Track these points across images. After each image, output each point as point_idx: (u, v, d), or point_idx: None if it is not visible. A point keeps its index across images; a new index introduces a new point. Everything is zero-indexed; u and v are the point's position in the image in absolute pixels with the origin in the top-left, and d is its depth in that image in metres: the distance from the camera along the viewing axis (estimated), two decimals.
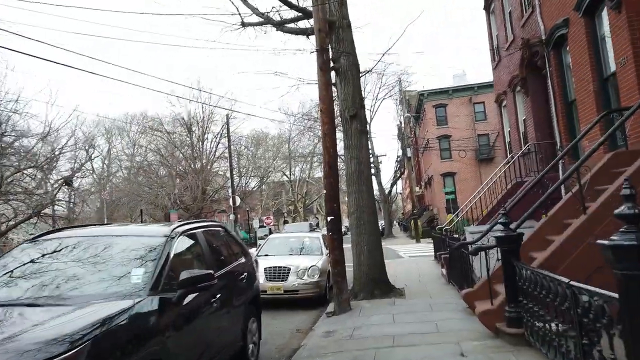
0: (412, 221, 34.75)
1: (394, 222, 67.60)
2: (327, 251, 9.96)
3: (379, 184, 46.97)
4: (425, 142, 39.44)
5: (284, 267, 9.63)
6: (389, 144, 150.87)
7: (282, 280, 9.49)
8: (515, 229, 5.74)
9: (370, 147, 46.71)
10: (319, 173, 60.91)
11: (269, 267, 9.58)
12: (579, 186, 5.92)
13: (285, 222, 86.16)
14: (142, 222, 33.60)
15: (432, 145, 38.25)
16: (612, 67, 8.16)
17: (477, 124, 39.10)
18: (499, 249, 5.65)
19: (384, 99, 52.77)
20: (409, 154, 33.07)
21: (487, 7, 16.50)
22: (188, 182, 40.29)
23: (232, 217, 33.47)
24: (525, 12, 12.18)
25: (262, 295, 6.95)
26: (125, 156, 52.23)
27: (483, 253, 6.25)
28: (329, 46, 9.04)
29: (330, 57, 9.10)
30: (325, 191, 8.60)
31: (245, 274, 5.71)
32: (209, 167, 42.54)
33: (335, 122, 9.42)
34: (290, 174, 58.38)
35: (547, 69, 10.97)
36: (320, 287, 9.72)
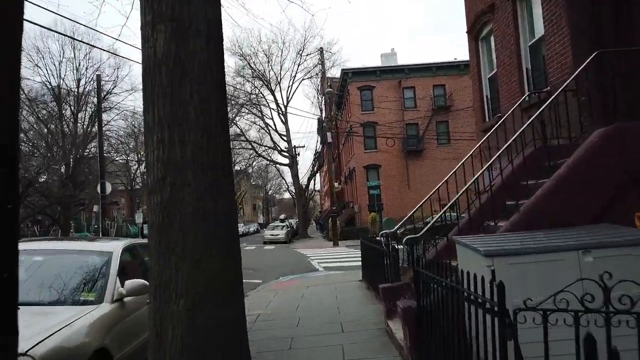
0: (330, 220, 29.22)
1: (311, 220, 62.27)
2: (123, 289, 4.22)
3: (295, 176, 41.07)
4: (349, 128, 34.17)
5: None
6: (307, 139, 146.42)
7: None
8: None
9: (286, 131, 40.88)
10: None
11: None
12: None
13: None
14: None
15: (356, 131, 33.08)
16: None
17: (406, 112, 34.60)
18: None
19: (303, 79, 47.12)
20: (329, 139, 27.55)
21: None
22: (49, 162, 31.53)
23: (96, 208, 25.60)
24: None
25: None
26: None
27: None
28: None
29: None
30: None
31: None
32: (80, 149, 33.79)
33: None
34: None
35: None
36: None
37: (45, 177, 35.41)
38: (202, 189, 3.09)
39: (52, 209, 34.64)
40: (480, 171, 5.52)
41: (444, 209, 5.38)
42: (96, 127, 37.89)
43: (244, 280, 11.39)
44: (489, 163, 5.53)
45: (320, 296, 9.05)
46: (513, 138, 5.53)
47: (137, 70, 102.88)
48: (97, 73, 30.65)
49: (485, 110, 9.21)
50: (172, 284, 2.93)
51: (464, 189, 5.66)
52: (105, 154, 41.01)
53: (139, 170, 51.05)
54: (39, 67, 34.82)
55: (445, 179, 6.63)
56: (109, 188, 26.18)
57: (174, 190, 3.03)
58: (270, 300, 9.07)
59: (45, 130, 34.01)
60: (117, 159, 46.05)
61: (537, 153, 5.91)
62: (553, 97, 5.48)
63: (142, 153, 47.90)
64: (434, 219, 5.50)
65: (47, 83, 34.88)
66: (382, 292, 5.82)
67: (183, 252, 2.98)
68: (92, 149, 37.86)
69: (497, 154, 5.48)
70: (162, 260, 2.98)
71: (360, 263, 10.72)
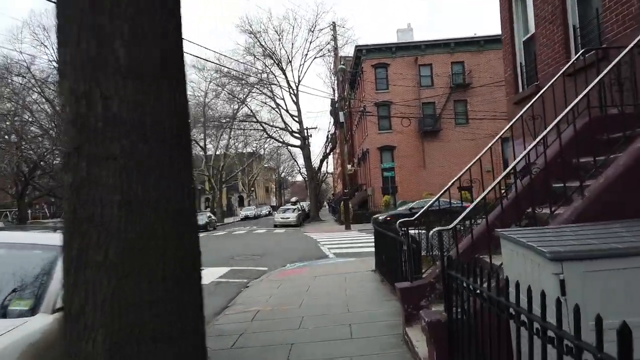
0: (342, 203, 28.23)
1: (324, 202, 61.42)
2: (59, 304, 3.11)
3: (306, 158, 40.04)
4: (362, 108, 32.87)
5: None
6: (319, 118, 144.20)
7: None
8: None
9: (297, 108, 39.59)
10: (239, 143, 52.98)
11: None
12: None
13: (207, 199, 77.48)
14: None
15: (370, 111, 31.79)
16: None
17: (423, 90, 33.11)
18: None
19: (315, 57, 45.77)
20: (341, 119, 26.35)
21: None
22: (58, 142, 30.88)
23: None
24: None
25: None
26: None
27: None
28: None
29: None
30: None
31: None
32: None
33: None
34: (205, 145, 49.78)
35: None
36: None
37: (56, 159, 34.99)
38: (136, 166, 2.06)
39: (62, 191, 34.26)
40: (531, 145, 4.38)
41: (484, 193, 4.28)
42: None
43: (249, 268, 10.48)
44: (542, 136, 4.39)
45: (328, 289, 8.09)
46: (571, 106, 4.38)
47: None
48: None
49: (518, 79, 8.01)
50: (87, 312, 1.94)
51: (508, 169, 4.54)
52: None
53: None
54: (46, 47, 34.08)
55: (479, 156, 5.56)
56: None
57: (92, 167, 2.01)
58: (272, 294, 8.16)
59: (55, 110, 33.34)
60: None
61: (593, 124, 4.78)
62: (623, 53, 4.31)
63: None
64: (471, 206, 4.40)
65: (54, 62, 34.13)
66: (399, 293, 4.81)
67: (104, 262, 1.97)
68: None
69: (553, 125, 4.33)
70: (73, 274, 1.99)
71: (373, 249, 9.74)
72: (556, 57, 6.47)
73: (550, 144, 4.73)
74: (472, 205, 4.18)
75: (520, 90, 7.97)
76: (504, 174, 4.34)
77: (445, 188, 5.19)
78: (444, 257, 3.35)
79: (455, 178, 5.40)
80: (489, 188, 4.28)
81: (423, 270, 5.14)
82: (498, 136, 5.93)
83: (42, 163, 31.19)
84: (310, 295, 7.69)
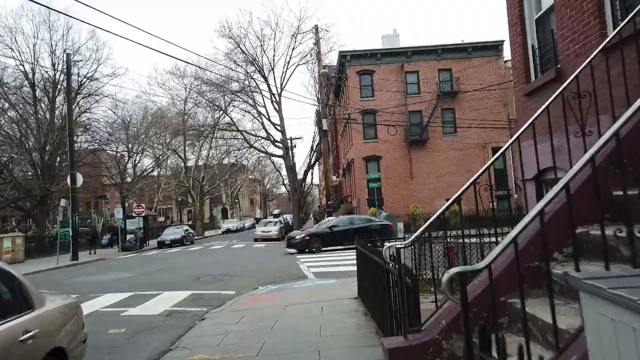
0: (326, 215, 26.65)
1: (310, 215, 59.57)
2: None
3: (289, 168, 38.42)
4: (347, 116, 31.48)
5: None
6: (302, 125, 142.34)
7: None
8: None
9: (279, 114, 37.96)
10: (221, 154, 51.13)
11: None
12: None
13: (189, 211, 74.99)
14: None
15: (355, 119, 30.39)
16: None
17: (409, 97, 31.88)
18: None
19: (298, 64, 44.51)
20: (325, 127, 24.84)
21: None
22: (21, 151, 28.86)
23: (63, 202, 22.95)
24: None
25: None
26: None
27: None
28: None
29: None
30: None
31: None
32: (54, 136, 31.06)
33: None
34: (185, 154, 47.84)
35: None
36: None
37: (19, 167, 32.87)
38: None
39: (26, 202, 32.03)
40: (598, 145, 2.84)
41: (540, 209, 2.74)
42: (80, 115, 35.29)
43: (213, 292, 8.60)
44: (616, 130, 2.89)
45: (299, 326, 6.47)
46: None
47: (117, 53, 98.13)
48: (67, 52, 27.81)
49: (530, 65, 6.59)
50: None
51: (568, 176, 2.97)
52: (94, 145, 38.50)
53: (130, 163, 48.45)
54: (12, 49, 32.09)
55: (492, 161, 4.05)
56: (79, 180, 23.63)
57: None
58: (228, 331, 6.51)
59: (18, 116, 31.29)
60: (108, 149, 43.28)
61: None
62: None
63: (130, 145, 45.31)
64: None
65: (21, 66, 32.20)
66: (388, 356, 3.23)
67: None
68: (76, 139, 35.20)
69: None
70: None
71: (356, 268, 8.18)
72: (586, 31, 5.05)
73: (605, 143, 3.24)
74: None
75: (533, 78, 6.55)
76: (558, 189, 2.79)
77: (452, 199, 3.66)
78: (469, 329, 1.79)
79: (466, 186, 3.88)
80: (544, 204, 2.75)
81: (425, 320, 3.58)
82: (514, 137, 4.44)
83: (4, 171, 29.05)
84: (274, 335, 6.06)
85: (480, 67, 31.76)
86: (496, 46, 32.38)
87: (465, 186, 3.78)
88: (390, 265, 4.01)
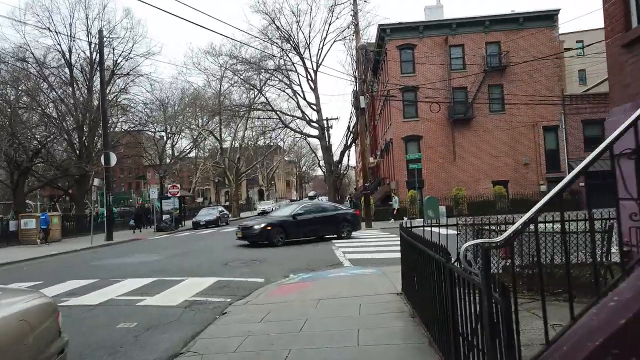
0: (363, 198, 25.46)
1: (347, 197, 58.47)
2: None
3: (325, 149, 37.28)
4: (386, 93, 29.90)
5: None
6: (339, 102, 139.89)
7: None
8: None
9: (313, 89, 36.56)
10: (256, 134, 50.49)
11: None
12: None
13: (227, 192, 75.33)
14: None
15: (394, 95, 28.79)
16: None
17: (453, 74, 29.88)
18: None
19: (335, 40, 43.09)
20: (362, 104, 23.47)
21: None
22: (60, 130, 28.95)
23: (97, 181, 22.73)
24: None
25: None
26: None
27: None
28: None
29: None
30: None
31: None
32: (92, 116, 31.02)
33: None
34: (221, 134, 47.46)
35: None
36: None
37: (59, 147, 33.25)
38: None
39: (65, 181, 32.39)
40: None
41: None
42: (118, 95, 35.27)
43: (240, 279, 7.32)
44: None
45: (332, 329, 5.39)
46: None
47: (152, 31, 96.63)
48: (99, 29, 27.41)
49: (631, 8, 5.12)
50: None
51: None
52: (132, 127, 38.52)
53: (168, 144, 48.56)
54: (49, 29, 32.15)
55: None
56: (113, 160, 23.39)
57: None
58: (249, 333, 5.51)
59: (57, 96, 31.45)
60: (146, 130, 43.31)
61: None
62: None
63: (168, 127, 45.29)
64: None
65: (58, 46, 32.27)
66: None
67: None
68: (114, 119, 35.29)
69: None
70: None
71: (397, 255, 7.01)
72: None
73: None
74: None
75: (635, 24, 5.07)
76: None
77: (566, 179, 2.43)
78: None
79: (580, 166, 2.61)
80: None
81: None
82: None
83: (42, 151, 29.33)
84: (302, 341, 5.01)
85: (531, 38, 29.29)
86: (551, 16, 29.74)
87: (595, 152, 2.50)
88: (473, 274, 2.75)
